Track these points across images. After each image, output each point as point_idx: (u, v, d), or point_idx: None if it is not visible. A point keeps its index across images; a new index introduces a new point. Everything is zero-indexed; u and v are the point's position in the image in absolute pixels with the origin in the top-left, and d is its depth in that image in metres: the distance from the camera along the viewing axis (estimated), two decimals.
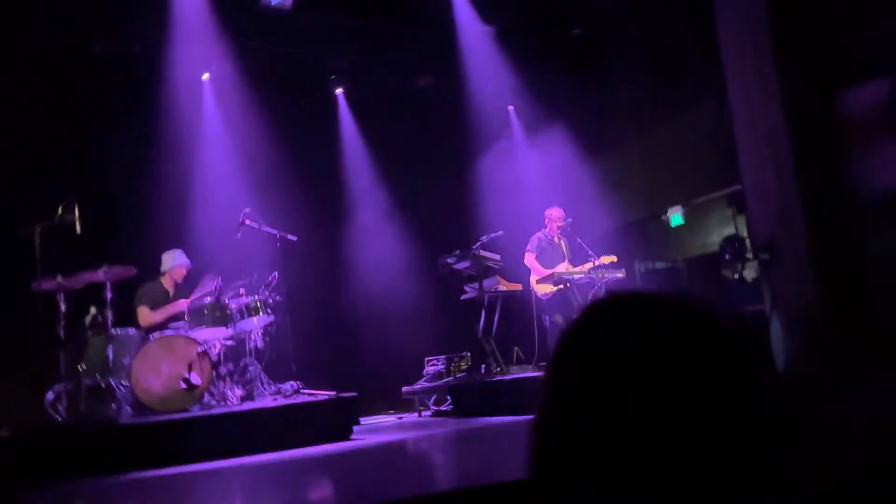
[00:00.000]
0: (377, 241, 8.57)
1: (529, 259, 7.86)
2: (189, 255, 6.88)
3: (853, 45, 5.80)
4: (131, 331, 6.13)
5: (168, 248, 6.92)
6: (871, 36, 5.66)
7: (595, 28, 8.97)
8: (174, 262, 6.68)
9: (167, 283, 6.71)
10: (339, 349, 7.93)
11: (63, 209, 5.78)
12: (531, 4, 8.43)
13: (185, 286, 6.74)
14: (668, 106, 9.29)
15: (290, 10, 7.79)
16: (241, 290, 6.63)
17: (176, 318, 6.45)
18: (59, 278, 5.81)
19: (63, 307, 5.78)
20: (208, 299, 6.32)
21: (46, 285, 5.77)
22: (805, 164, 6.13)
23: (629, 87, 8.83)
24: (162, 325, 6.42)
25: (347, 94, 9.44)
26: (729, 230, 9.47)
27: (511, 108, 9.93)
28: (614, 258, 7.78)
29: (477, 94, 9.28)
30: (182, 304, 6.41)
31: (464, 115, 9.32)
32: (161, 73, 7.71)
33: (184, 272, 6.74)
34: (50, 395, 5.62)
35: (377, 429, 6.05)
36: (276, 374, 6.57)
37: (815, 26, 5.99)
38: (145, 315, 6.48)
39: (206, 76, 8.51)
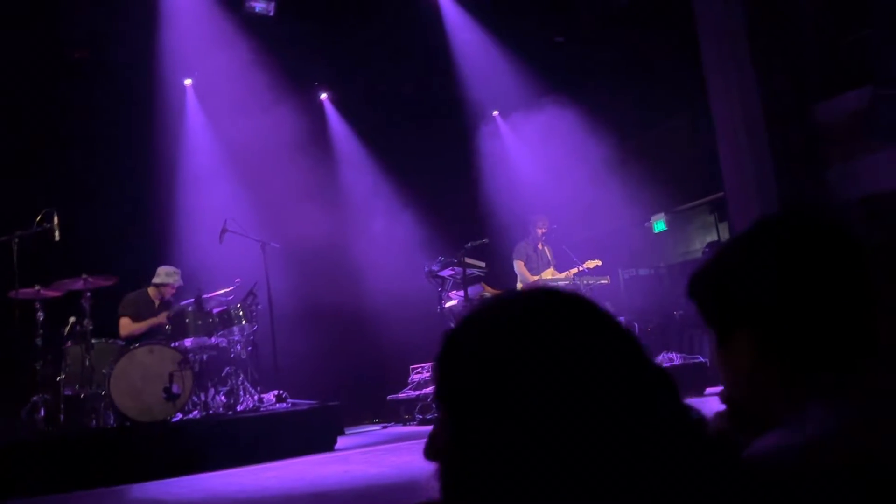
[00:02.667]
0: (361, 249, 8.53)
1: (519, 266, 7.87)
2: (172, 263, 6.81)
3: (831, 57, 5.86)
4: (111, 340, 6.05)
5: (150, 256, 6.86)
6: (848, 47, 5.72)
7: (578, 36, 9.01)
8: (168, 280, 6.60)
9: (154, 294, 6.63)
10: (323, 358, 7.86)
11: (42, 217, 5.70)
12: (515, 13, 8.45)
13: (168, 300, 6.68)
14: (650, 115, 9.36)
15: (273, 15, 7.77)
16: (224, 299, 6.57)
17: (157, 326, 6.38)
18: (38, 287, 5.73)
19: (41, 316, 5.70)
20: (190, 308, 6.26)
21: (24, 294, 5.69)
22: (785, 171, 6.18)
23: (612, 96, 8.87)
24: (143, 335, 6.35)
25: (333, 99, 9.41)
26: (711, 236, 9.54)
27: (496, 113, 9.95)
28: (598, 262, 7.80)
29: (462, 100, 9.28)
30: (163, 318, 6.34)
31: (448, 121, 9.33)
32: (144, 80, 7.65)
33: (174, 291, 6.67)
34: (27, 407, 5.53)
35: (362, 444, 5.98)
36: (260, 383, 6.51)
37: (794, 40, 6.06)
38: (127, 325, 6.40)
39: (188, 82, 8.45)
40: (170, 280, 6.60)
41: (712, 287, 0.98)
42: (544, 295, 0.83)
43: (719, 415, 1.01)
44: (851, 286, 0.91)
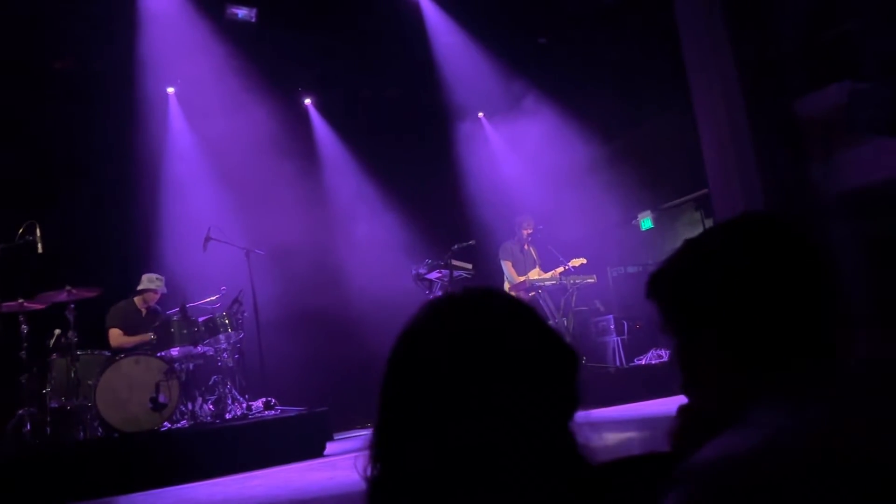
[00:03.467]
0: (347, 254, 8.51)
1: (507, 266, 7.88)
2: (156, 272, 6.77)
3: (811, 52, 5.89)
4: (97, 352, 6.00)
5: (134, 266, 6.82)
6: (827, 42, 5.76)
7: (562, 36, 9.03)
8: (152, 286, 6.58)
9: (140, 303, 6.60)
10: (311, 364, 7.83)
11: (24, 229, 5.66)
12: (498, 15, 8.46)
13: (156, 308, 6.64)
14: (635, 113, 9.38)
15: (255, 22, 7.75)
16: (210, 307, 6.54)
17: (145, 342, 6.34)
18: (22, 300, 5.68)
19: (25, 329, 5.66)
20: (175, 317, 6.23)
21: (8, 307, 5.65)
22: (767, 167, 6.22)
23: (596, 96, 8.90)
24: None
25: (317, 104, 9.40)
26: (697, 233, 9.57)
27: (481, 115, 9.96)
28: (583, 260, 7.82)
29: (447, 102, 9.28)
30: (148, 337, 6.31)
31: (435, 123, 9.33)
32: (126, 89, 7.60)
33: (157, 297, 6.65)
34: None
35: (351, 449, 5.96)
36: (248, 390, 6.48)
37: (774, 36, 6.09)
38: (117, 337, 6.36)
39: (171, 90, 8.41)
40: (152, 286, 6.57)
41: (671, 288, 0.98)
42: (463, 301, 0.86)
43: (680, 411, 1.01)
44: (808, 287, 0.91)
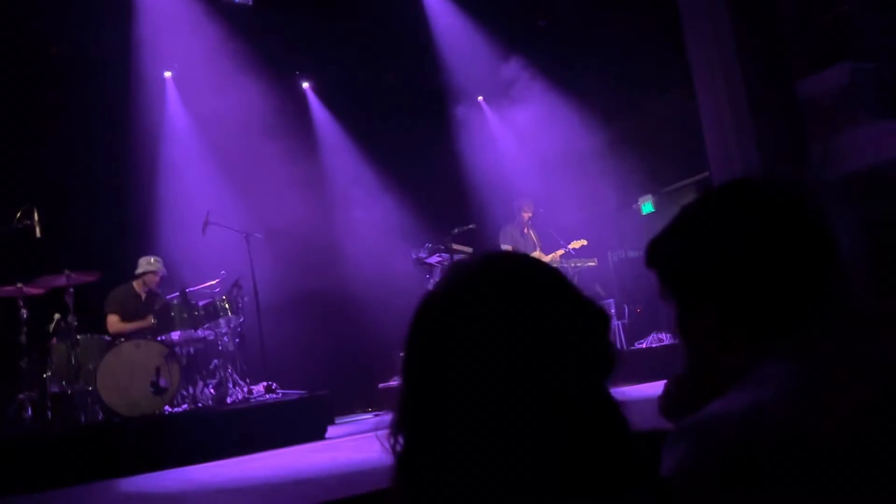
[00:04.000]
0: (347, 238, 8.51)
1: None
2: (155, 255, 6.76)
3: (812, 32, 5.84)
4: (96, 336, 6.01)
5: (133, 250, 6.81)
6: (828, 22, 5.71)
7: (562, 18, 8.98)
8: (151, 268, 6.56)
9: (139, 287, 6.59)
10: (312, 347, 7.85)
11: (22, 214, 5.65)
12: None
13: (156, 291, 6.65)
14: (635, 97, 9.33)
15: (252, 5, 7.71)
16: (210, 291, 6.54)
17: (144, 328, 6.34)
18: (20, 284, 5.68)
19: (25, 314, 5.66)
20: (175, 301, 6.23)
21: (6, 291, 5.65)
22: (769, 149, 6.19)
23: (597, 78, 8.85)
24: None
25: (315, 88, 9.35)
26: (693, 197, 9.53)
27: (481, 98, 9.91)
28: (584, 242, 7.81)
29: (446, 85, 9.24)
30: (149, 321, 6.30)
31: (434, 106, 9.29)
32: (122, 73, 7.57)
33: (157, 279, 6.63)
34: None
35: (352, 433, 5.98)
36: (249, 374, 6.50)
37: (775, 16, 6.03)
38: (115, 323, 6.36)
39: (168, 74, 8.37)
40: (152, 268, 6.55)
41: (670, 253, 0.97)
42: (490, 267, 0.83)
43: (672, 380, 1.00)
44: (809, 249, 0.90)
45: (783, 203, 0.91)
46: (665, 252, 0.97)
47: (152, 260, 6.60)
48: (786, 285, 0.88)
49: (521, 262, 0.84)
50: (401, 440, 0.82)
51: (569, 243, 7.74)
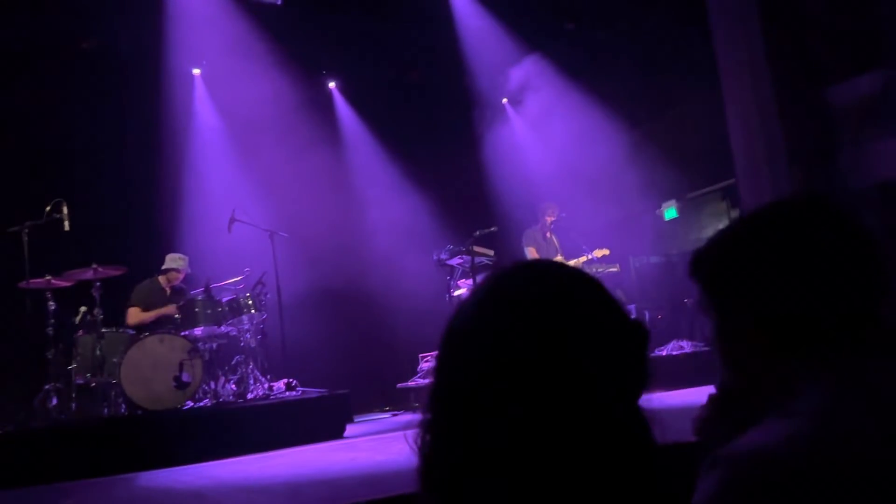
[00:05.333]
0: (370, 238, 8.53)
1: (531, 253, 7.86)
2: (181, 252, 6.83)
3: (843, 40, 5.76)
4: (121, 329, 6.09)
5: (159, 245, 6.89)
6: (859, 30, 5.62)
7: (588, 22, 8.93)
8: (175, 265, 6.63)
9: (164, 282, 6.66)
10: (333, 346, 7.89)
11: (52, 207, 5.74)
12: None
13: (180, 287, 6.72)
14: (661, 101, 9.27)
15: (280, 5, 7.76)
16: (233, 288, 6.59)
17: (166, 316, 6.40)
18: (49, 277, 5.77)
19: (52, 306, 5.74)
20: (199, 297, 6.29)
21: (35, 283, 5.74)
22: (797, 157, 6.11)
23: (623, 83, 8.80)
24: (153, 324, 6.38)
25: (342, 88, 9.39)
26: (723, 224, 9.45)
27: (505, 101, 9.89)
28: (607, 251, 7.77)
29: (471, 87, 9.24)
30: (172, 309, 6.36)
31: (460, 108, 9.29)
32: (152, 69, 7.66)
33: (181, 276, 6.70)
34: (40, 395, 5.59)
35: (371, 432, 5.99)
36: (270, 371, 6.54)
37: (806, 23, 5.96)
38: (135, 314, 6.43)
39: (197, 71, 8.45)
40: (176, 265, 6.62)
41: (715, 267, 0.96)
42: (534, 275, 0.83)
43: (711, 399, 0.99)
44: (858, 271, 0.89)
45: (834, 223, 0.90)
46: (711, 264, 0.97)
47: (178, 257, 6.67)
48: (831, 306, 0.87)
49: (564, 273, 0.83)
50: (428, 441, 0.82)
51: (592, 250, 7.70)
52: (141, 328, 6.26)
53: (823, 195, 0.95)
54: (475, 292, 0.84)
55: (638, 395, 0.78)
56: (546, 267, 0.84)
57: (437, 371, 0.83)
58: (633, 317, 0.81)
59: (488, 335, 0.78)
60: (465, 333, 0.81)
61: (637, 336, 0.79)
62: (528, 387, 0.74)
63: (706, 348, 7.40)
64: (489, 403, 0.75)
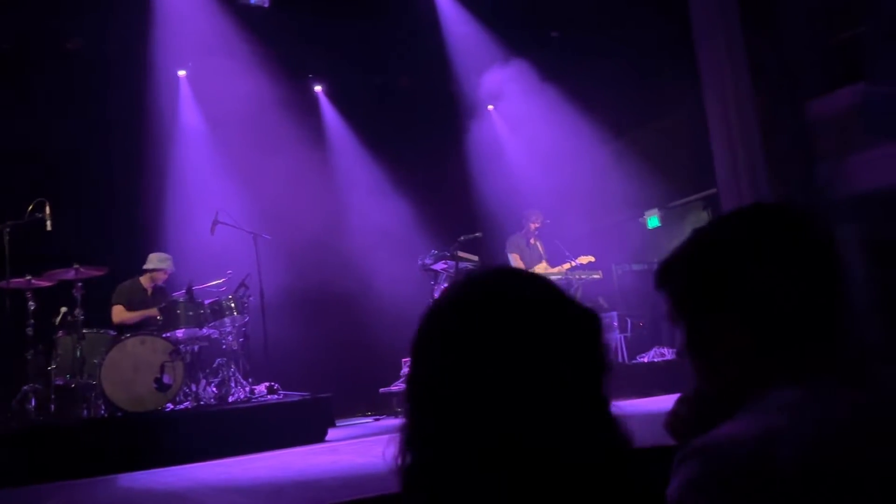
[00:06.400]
0: (354, 242, 8.53)
1: (515, 259, 7.89)
2: (164, 253, 6.80)
3: (825, 54, 5.86)
4: (102, 330, 6.04)
5: (142, 246, 6.85)
6: (841, 44, 5.73)
7: (574, 31, 9.01)
8: (161, 265, 6.60)
9: (146, 282, 6.63)
10: (315, 350, 7.87)
11: (34, 207, 5.70)
12: (511, 6, 8.44)
13: (161, 288, 6.68)
14: (645, 111, 9.36)
15: (268, 7, 7.76)
16: (216, 290, 6.57)
17: (149, 318, 6.37)
18: (29, 277, 5.72)
19: (32, 306, 5.69)
20: (181, 299, 6.26)
21: (16, 283, 5.68)
22: (777, 167, 6.21)
23: (607, 92, 8.88)
24: (135, 325, 6.35)
25: (327, 92, 9.40)
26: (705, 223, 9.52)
27: (491, 107, 9.94)
28: (591, 258, 7.82)
29: (457, 93, 9.28)
30: (155, 311, 6.33)
31: (446, 113, 9.33)
32: (137, 70, 7.62)
33: (165, 276, 6.67)
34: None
35: (353, 436, 5.99)
36: (251, 374, 6.52)
37: (788, 37, 6.06)
38: (120, 313, 6.40)
39: (182, 73, 8.43)
40: (162, 266, 6.60)
41: (687, 274, 0.99)
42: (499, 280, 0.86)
43: (682, 400, 1.02)
44: (822, 275, 0.92)
45: (796, 229, 0.93)
46: (677, 273, 0.99)
47: (164, 257, 6.64)
48: (796, 310, 0.90)
49: (517, 278, 0.87)
50: (405, 442, 0.85)
51: (576, 258, 7.75)
52: (122, 329, 6.22)
53: (786, 202, 0.98)
54: (436, 302, 0.88)
55: (598, 381, 0.81)
56: (498, 274, 0.88)
57: (409, 375, 0.87)
58: (585, 306, 0.85)
59: (449, 344, 0.82)
60: (429, 340, 0.85)
61: (590, 324, 0.83)
62: (488, 383, 0.77)
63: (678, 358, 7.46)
64: (452, 402, 0.78)
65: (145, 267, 6.60)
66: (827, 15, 5.97)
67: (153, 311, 6.34)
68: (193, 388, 6.08)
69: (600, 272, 8.01)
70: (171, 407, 5.80)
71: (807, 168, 5.96)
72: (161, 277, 6.63)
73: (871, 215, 5.40)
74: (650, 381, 6.69)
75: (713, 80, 6.46)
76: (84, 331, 5.75)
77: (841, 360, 0.90)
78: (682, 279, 0.99)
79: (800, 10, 6.06)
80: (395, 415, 7.67)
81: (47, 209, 5.65)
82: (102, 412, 5.65)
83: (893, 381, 0.89)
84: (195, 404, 5.93)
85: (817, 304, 0.90)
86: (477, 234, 7.57)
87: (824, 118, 5.93)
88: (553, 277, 7.70)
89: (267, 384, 6.37)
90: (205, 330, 6.28)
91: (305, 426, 5.76)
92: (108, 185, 7.34)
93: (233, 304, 6.33)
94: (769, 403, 0.85)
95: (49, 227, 5.64)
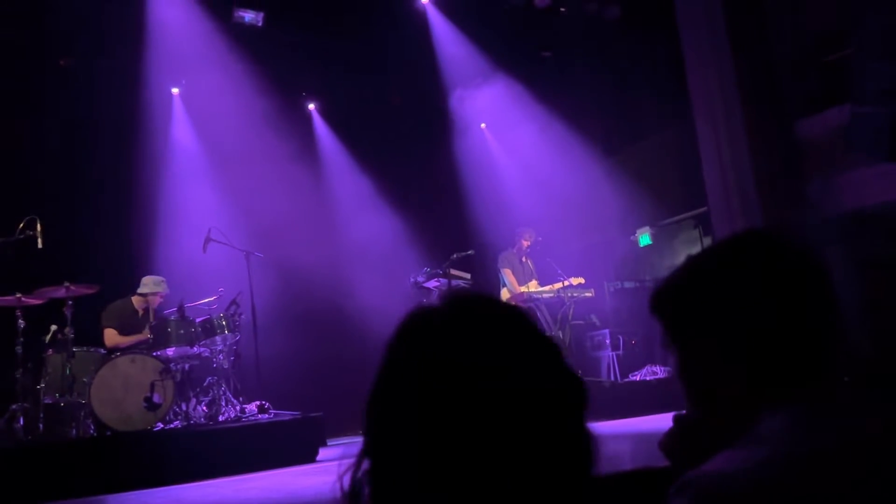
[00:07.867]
0: (346, 260, 8.53)
1: (507, 275, 7.90)
2: (155, 272, 6.78)
3: (813, 74, 5.93)
4: (92, 349, 6.00)
5: (133, 264, 6.84)
6: (829, 65, 5.80)
7: (565, 51, 9.10)
8: (157, 289, 6.56)
9: (138, 303, 6.59)
10: (307, 369, 7.83)
11: (25, 224, 5.67)
12: (503, 26, 8.52)
13: (156, 310, 6.65)
14: (636, 129, 9.44)
15: (261, 26, 7.80)
16: (207, 308, 6.54)
17: (144, 341, 6.34)
18: (19, 294, 5.68)
19: (22, 324, 5.65)
20: (172, 317, 6.23)
21: (5, 301, 5.64)
22: (766, 186, 6.25)
23: (598, 110, 8.95)
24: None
25: (321, 110, 9.44)
26: (696, 250, 9.58)
27: (483, 126, 10.00)
28: (582, 280, 7.85)
29: (449, 112, 9.33)
30: (147, 334, 6.30)
31: (438, 131, 9.38)
32: (130, 88, 7.64)
33: (160, 300, 6.64)
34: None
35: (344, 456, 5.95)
36: (242, 393, 6.47)
37: (777, 57, 6.13)
38: (112, 337, 6.36)
39: (175, 90, 8.45)
40: (158, 289, 6.57)
41: (677, 301, 0.99)
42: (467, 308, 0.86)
43: (676, 420, 1.02)
44: (813, 303, 0.93)
45: (787, 257, 0.94)
46: (670, 301, 1.00)
47: (159, 280, 6.61)
48: (787, 338, 0.91)
49: (486, 304, 0.87)
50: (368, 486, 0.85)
51: (568, 277, 7.77)
52: (113, 348, 6.18)
53: (778, 230, 0.99)
54: (398, 328, 0.88)
55: (572, 408, 0.81)
56: (465, 299, 0.88)
57: (366, 417, 0.86)
58: (547, 334, 0.85)
59: (409, 376, 0.81)
60: (389, 375, 0.87)
61: (551, 352, 0.83)
62: (451, 412, 0.77)
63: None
64: (415, 447, 0.78)
65: (140, 291, 6.56)
66: (815, 37, 6.05)
67: (145, 335, 6.31)
68: (183, 407, 6.03)
69: (592, 290, 8.03)
70: (161, 426, 5.75)
71: (796, 187, 6.01)
72: (156, 301, 6.59)
73: (860, 233, 5.44)
74: (643, 400, 6.68)
75: (703, 101, 6.52)
76: (74, 349, 5.71)
77: (831, 385, 0.91)
78: (675, 306, 0.99)
79: (787, 31, 6.14)
80: None
81: (38, 226, 5.63)
82: (91, 431, 5.59)
83: (884, 403, 0.89)
84: (185, 424, 5.88)
85: (808, 333, 0.91)
86: (469, 252, 7.58)
87: (813, 138, 6.00)
88: (545, 296, 7.72)
89: (258, 403, 6.33)
90: (196, 348, 6.24)
91: (297, 446, 5.71)
92: (99, 203, 7.32)
93: (224, 323, 6.30)
94: (759, 434, 0.85)
95: (40, 245, 5.61)
